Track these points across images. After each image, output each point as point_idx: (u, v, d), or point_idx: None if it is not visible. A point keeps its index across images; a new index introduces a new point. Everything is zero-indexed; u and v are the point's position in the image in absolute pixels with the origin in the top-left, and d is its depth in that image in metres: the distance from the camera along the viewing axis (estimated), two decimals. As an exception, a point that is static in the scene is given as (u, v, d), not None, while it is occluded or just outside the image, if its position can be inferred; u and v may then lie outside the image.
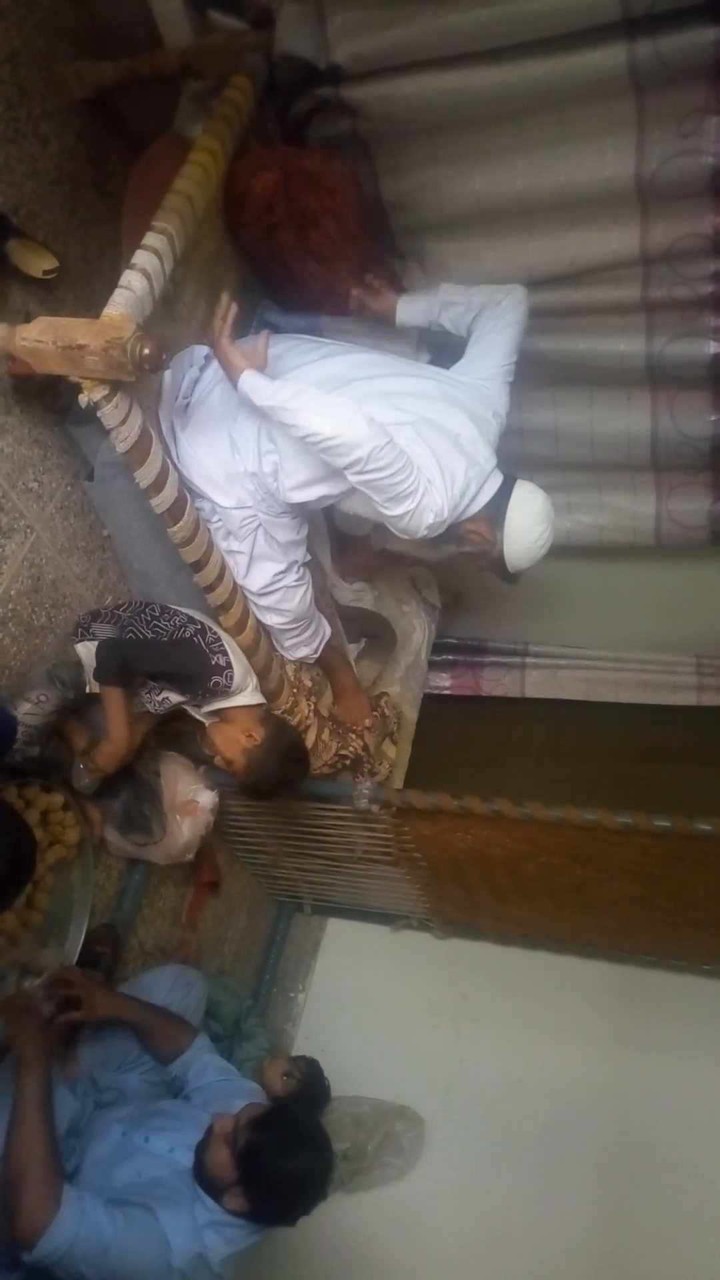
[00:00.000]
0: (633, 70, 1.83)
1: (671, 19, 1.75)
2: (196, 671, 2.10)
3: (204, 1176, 1.91)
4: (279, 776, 2.23)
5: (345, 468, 1.86)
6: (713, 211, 2.03)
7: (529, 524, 2.10)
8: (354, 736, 2.63)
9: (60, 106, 2.03)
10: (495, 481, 2.07)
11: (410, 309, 2.22)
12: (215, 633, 2.15)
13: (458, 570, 2.96)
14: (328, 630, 2.39)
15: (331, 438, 1.83)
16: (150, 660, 2.09)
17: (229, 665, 2.13)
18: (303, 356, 2.06)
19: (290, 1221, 1.98)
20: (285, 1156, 1.89)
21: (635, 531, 2.80)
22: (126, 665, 2.04)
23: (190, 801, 2.39)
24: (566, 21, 1.78)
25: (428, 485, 1.93)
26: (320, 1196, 1.99)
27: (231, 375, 1.93)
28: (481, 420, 2.07)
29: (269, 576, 2.15)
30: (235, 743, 2.19)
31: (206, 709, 2.20)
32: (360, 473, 1.86)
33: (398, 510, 1.93)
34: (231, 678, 2.13)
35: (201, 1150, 1.93)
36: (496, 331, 2.13)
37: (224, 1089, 2.13)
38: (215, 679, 2.12)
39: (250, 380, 1.89)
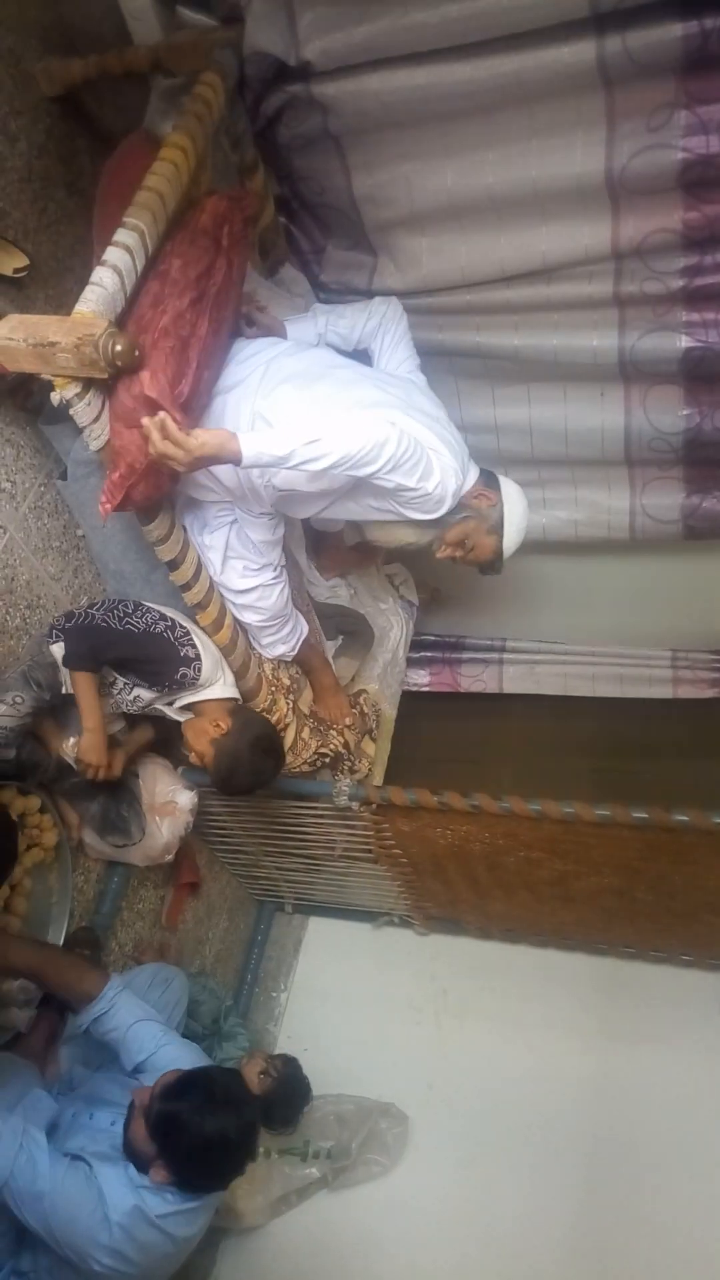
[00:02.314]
0: (602, 65, 1.84)
1: (639, 14, 1.76)
2: (164, 662, 2.10)
3: (130, 1151, 1.87)
4: (250, 767, 2.20)
5: (375, 473, 1.87)
6: (682, 206, 2.04)
7: (518, 489, 2.22)
8: (334, 734, 2.63)
9: (29, 104, 2.01)
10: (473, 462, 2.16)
11: (298, 327, 2.19)
12: (185, 628, 2.15)
13: (434, 567, 2.96)
14: (305, 628, 2.39)
15: (358, 453, 1.83)
16: (117, 646, 2.08)
17: (197, 657, 2.12)
18: (275, 346, 2.06)
19: (221, 1185, 1.95)
20: (201, 1121, 1.83)
21: (610, 526, 2.81)
22: (94, 650, 2.03)
23: (169, 803, 2.38)
24: (535, 17, 1.79)
25: (435, 455, 1.97)
26: (249, 1156, 1.95)
27: (226, 457, 1.78)
28: (437, 403, 2.14)
29: (245, 573, 2.15)
30: (204, 733, 2.18)
31: (178, 704, 2.20)
32: (392, 469, 1.89)
33: (425, 488, 1.96)
34: (200, 669, 2.12)
35: (126, 1125, 1.89)
36: (397, 344, 2.21)
37: (169, 1057, 2.04)
38: (183, 669, 2.11)
39: (253, 445, 1.78)
